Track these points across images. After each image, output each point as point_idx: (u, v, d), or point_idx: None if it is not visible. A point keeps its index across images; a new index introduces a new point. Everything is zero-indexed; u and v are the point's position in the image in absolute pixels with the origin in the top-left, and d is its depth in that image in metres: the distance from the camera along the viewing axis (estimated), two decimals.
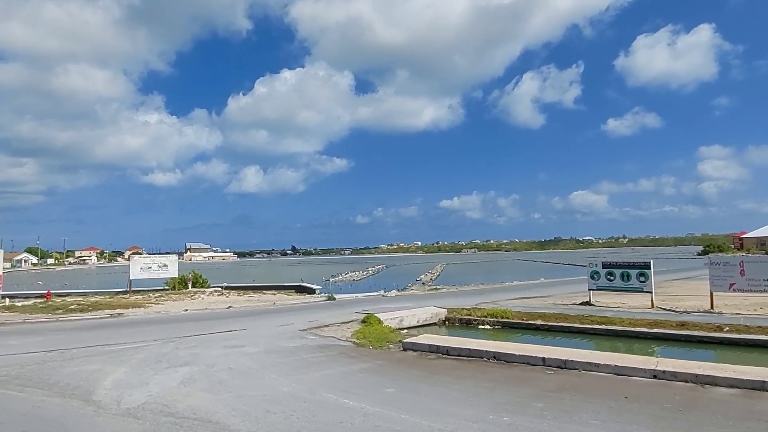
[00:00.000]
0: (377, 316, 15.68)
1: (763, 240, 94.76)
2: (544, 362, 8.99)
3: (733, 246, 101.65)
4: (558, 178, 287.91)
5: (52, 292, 25.96)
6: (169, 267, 27.60)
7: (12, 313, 20.10)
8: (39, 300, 23.92)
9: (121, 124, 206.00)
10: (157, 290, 27.45)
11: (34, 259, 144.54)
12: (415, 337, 11.73)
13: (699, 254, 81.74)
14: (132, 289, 26.58)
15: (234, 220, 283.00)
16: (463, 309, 17.49)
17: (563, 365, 8.72)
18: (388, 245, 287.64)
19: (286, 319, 16.91)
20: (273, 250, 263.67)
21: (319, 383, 8.27)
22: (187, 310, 20.33)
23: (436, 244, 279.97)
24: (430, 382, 8.13)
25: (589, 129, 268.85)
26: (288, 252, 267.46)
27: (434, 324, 16.66)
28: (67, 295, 26.71)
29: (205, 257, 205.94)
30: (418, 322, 16.29)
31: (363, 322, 15.38)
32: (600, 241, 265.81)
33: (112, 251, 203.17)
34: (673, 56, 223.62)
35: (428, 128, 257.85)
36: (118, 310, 20.15)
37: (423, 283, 41.43)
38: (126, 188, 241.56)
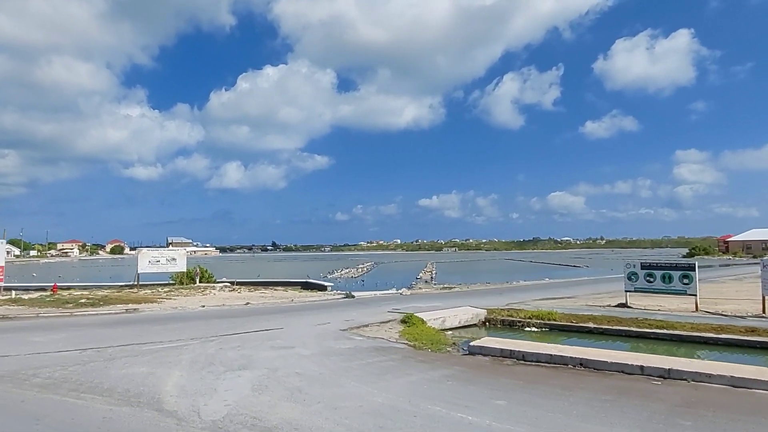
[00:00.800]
0: (418, 316, 14.97)
1: (749, 243, 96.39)
2: (642, 371, 8.39)
3: (718, 249, 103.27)
4: (537, 178, 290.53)
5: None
6: (177, 261, 26.48)
7: (20, 307, 18.97)
8: (44, 293, 22.68)
9: (103, 117, 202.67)
10: (163, 284, 26.37)
11: (17, 251, 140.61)
12: (479, 340, 11.06)
13: (685, 256, 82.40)
14: (139, 282, 25.44)
15: (214, 215, 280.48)
16: (502, 310, 16.88)
17: (666, 374, 8.13)
18: (368, 242, 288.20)
19: (318, 318, 16.13)
20: (254, 245, 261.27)
21: (411, 392, 7.54)
22: (204, 307, 19.39)
23: (415, 243, 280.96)
24: (538, 393, 7.45)
25: (568, 131, 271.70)
26: (269, 248, 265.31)
27: (474, 325, 16.02)
28: (70, 288, 25.46)
29: (187, 251, 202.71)
30: (459, 323, 15.64)
31: (404, 322, 14.67)
32: (578, 242, 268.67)
33: (94, 244, 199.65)
34: (651, 60, 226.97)
35: (409, 127, 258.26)
36: (131, 305, 19.13)
37: (426, 282, 40.81)
38: (107, 181, 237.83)
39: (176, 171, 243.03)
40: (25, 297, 21.08)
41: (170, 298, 21.32)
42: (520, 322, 15.39)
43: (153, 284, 26.17)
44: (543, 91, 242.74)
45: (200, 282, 26.74)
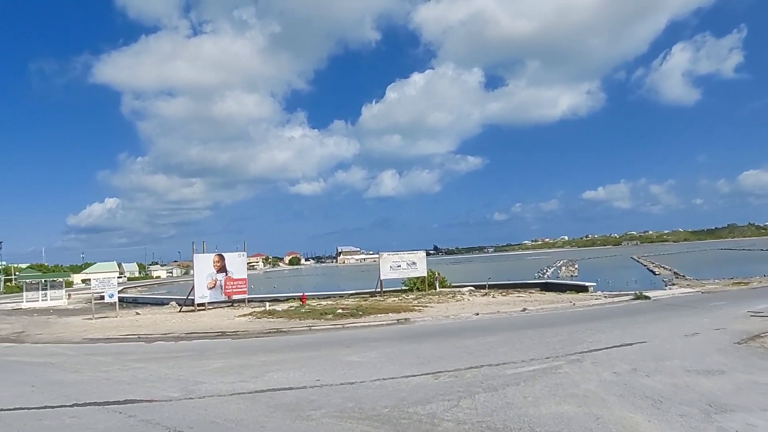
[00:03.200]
0: None
1: None
2: None
3: None
4: (721, 158, 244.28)
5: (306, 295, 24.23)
6: (417, 265, 24.48)
7: (280, 319, 18.07)
8: (293, 304, 22.08)
9: (270, 141, 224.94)
10: (399, 290, 24.50)
11: None
12: None
13: None
14: (383, 289, 23.88)
15: (374, 223, 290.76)
16: None
17: None
18: (532, 241, 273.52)
19: (668, 325, 11.95)
20: (415, 250, 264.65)
21: None
22: (478, 315, 16.43)
23: (585, 238, 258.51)
24: None
25: (756, 99, 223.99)
26: (431, 252, 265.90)
27: None
28: (311, 298, 24.92)
29: (357, 260, 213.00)
30: None
31: None
32: None
33: (274, 257, 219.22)
34: None
35: (565, 117, 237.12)
36: (395, 315, 16.99)
37: (683, 277, 33.69)
38: (277, 199, 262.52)
39: (336, 184, 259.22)
40: (279, 308, 20.51)
41: (428, 306, 18.92)
42: None
43: (393, 290, 24.40)
44: (721, 59, 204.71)
45: (439, 287, 24.35)
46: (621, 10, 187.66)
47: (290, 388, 7.92)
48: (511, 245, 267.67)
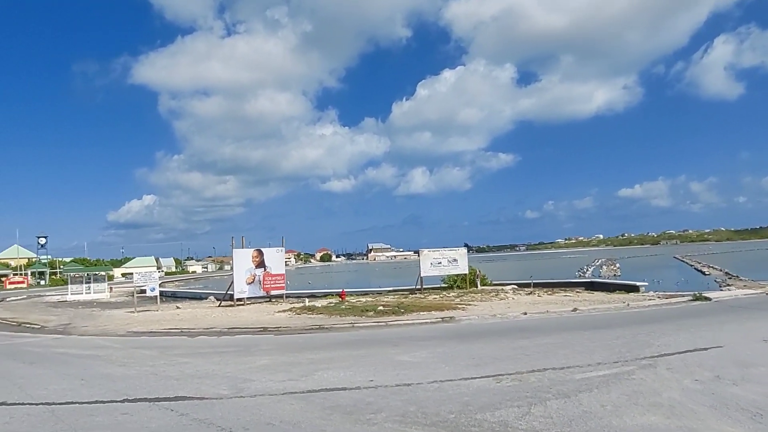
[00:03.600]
0: None
1: None
2: None
3: None
4: (766, 154, 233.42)
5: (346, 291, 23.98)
6: (458, 262, 23.93)
7: (320, 315, 17.85)
8: (332, 300, 21.85)
9: (301, 139, 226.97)
10: (438, 288, 23.99)
11: None
12: None
13: None
14: (423, 287, 23.44)
15: (404, 220, 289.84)
16: None
17: None
18: (566, 239, 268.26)
19: (741, 328, 11.13)
20: (445, 248, 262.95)
21: None
22: (526, 314, 15.80)
23: (622, 237, 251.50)
24: None
25: None
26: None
27: None
28: (349, 294, 24.65)
29: (387, 257, 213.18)
30: None
31: None
32: None
33: (306, 253, 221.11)
34: None
35: (601, 113, 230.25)
36: (438, 313, 16.52)
37: (736, 277, 31.99)
38: (308, 196, 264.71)
39: (367, 181, 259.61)
40: (318, 305, 20.31)
41: (472, 304, 18.37)
42: None
43: (430, 288, 23.92)
44: (767, 51, 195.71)
45: (480, 285, 23.75)
46: (660, 2, 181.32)
47: (344, 389, 7.57)
48: (544, 243, 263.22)
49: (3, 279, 67.24)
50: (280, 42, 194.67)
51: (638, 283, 21.84)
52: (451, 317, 15.57)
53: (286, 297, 24.66)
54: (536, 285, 23.37)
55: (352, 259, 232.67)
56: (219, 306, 23.74)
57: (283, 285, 24.73)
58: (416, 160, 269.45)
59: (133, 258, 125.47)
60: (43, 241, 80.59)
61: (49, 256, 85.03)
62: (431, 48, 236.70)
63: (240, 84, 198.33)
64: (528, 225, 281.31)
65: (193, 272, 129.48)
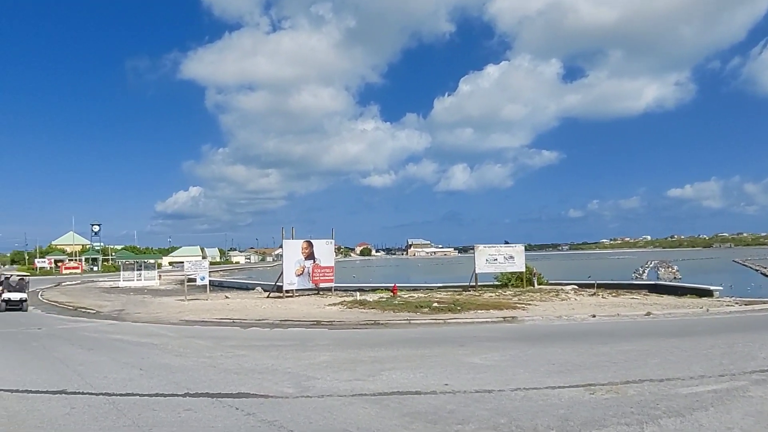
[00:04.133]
0: None
1: None
2: None
3: None
4: None
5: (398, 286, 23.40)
6: (515, 259, 22.98)
7: (372, 310, 17.39)
8: (383, 295, 21.31)
9: (343, 134, 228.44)
10: (492, 286, 23.07)
11: None
12: None
13: None
14: (478, 284, 22.62)
15: (444, 216, 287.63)
16: None
17: None
18: (611, 240, 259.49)
19: None
20: (501, 244, 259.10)
21: None
22: (595, 317, 14.78)
23: (671, 238, 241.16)
24: None
25: None
26: None
27: None
28: (399, 289, 24.06)
29: (427, 253, 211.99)
30: None
31: None
32: None
33: (345, 247, 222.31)
34: None
35: (650, 110, 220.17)
36: (506, 312, 15.74)
37: None
38: (348, 191, 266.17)
39: (407, 177, 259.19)
40: (368, 299, 19.81)
41: (532, 304, 17.45)
42: None
43: (484, 285, 23.01)
44: None
45: (537, 284, 22.70)
46: None
47: (418, 393, 6.95)
48: (588, 243, 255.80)
49: (59, 264, 70.21)
50: (324, 38, 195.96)
51: (712, 287, 20.31)
52: (512, 317, 14.74)
53: (335, 290, 24.30)
54: (598, 286, 22.11)
55: (392, 254, 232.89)
56: (268, 297, 23.62)
57: (332, 278, 24.41)
58: (457, 156, 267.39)
59: (180, 247, 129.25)
60: (96, 228, 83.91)
61: (102, 244, 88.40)
62: (474, 43, 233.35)
63: (284, 79, 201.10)
64: (571, 224, 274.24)
65: (237, 262, 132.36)
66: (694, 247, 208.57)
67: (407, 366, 8.74)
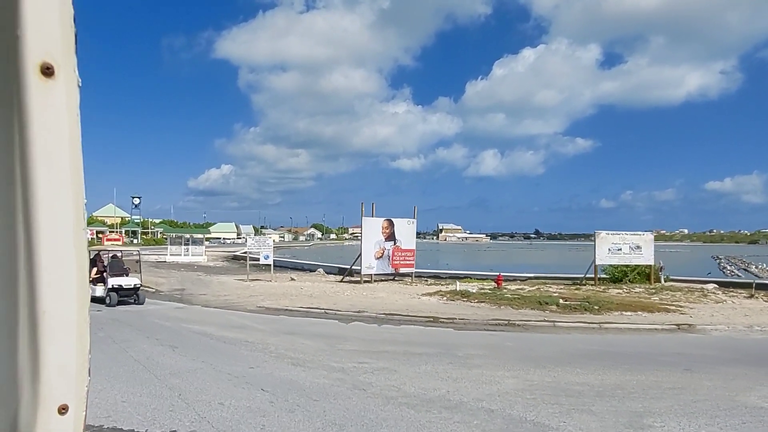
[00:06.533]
0: None
1: None
2: None
3: None
4: None
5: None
6: (642, 250, 19.74)
7: (481, 303, 14.71)
8: (485, 285, 18.39)
9: (373, 116, 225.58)
10: (605, 279, 19.85)
11: (319, 234, 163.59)
12: None
13: None
14: (598, 276, 19.48)
15: (471, 202, 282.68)
16: None
17: None
18: (644, 232, 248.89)
19: None
20: (515, 233, 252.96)
21: None
22: None
23: (709, 233, 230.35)
24: None
25: None
26: (531, 236, 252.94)
27: None
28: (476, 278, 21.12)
29: (458, 238, 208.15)
30: None
31: None
32: None
33: None
34: None
35: (692, 99, 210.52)
36: (667, 317, 12.70)
37: None
38: (377, 173, 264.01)
39: (436, 161, 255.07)
40: (470, 290, 16.98)
41: (686, 306, 14.29)
42: None
43: (601, 279, 19.75)
44: None
45: (664, 281, 19.45)
46: None
47: None
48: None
49: (101, 235, 69.82)
50: (357, 18, 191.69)
51: None
52: (687, 324, 11.67)
53: (415, 276, 21.58)
54: (734, 285, 18.71)
55: (422, 238, 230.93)
56: (342, 281, 21.08)
57: (413, 262, 21.68)
58: (488, 141, 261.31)
59: (215, 224, 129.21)
60: (137, 201, 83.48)
61: (141, 217, 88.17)
62: (509, 26, 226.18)
63: (316, 60, 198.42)
64: (602, 214, 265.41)
65: (274, 240, 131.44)
66: (737, 242, 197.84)
67: (665, 409, 5.85)
